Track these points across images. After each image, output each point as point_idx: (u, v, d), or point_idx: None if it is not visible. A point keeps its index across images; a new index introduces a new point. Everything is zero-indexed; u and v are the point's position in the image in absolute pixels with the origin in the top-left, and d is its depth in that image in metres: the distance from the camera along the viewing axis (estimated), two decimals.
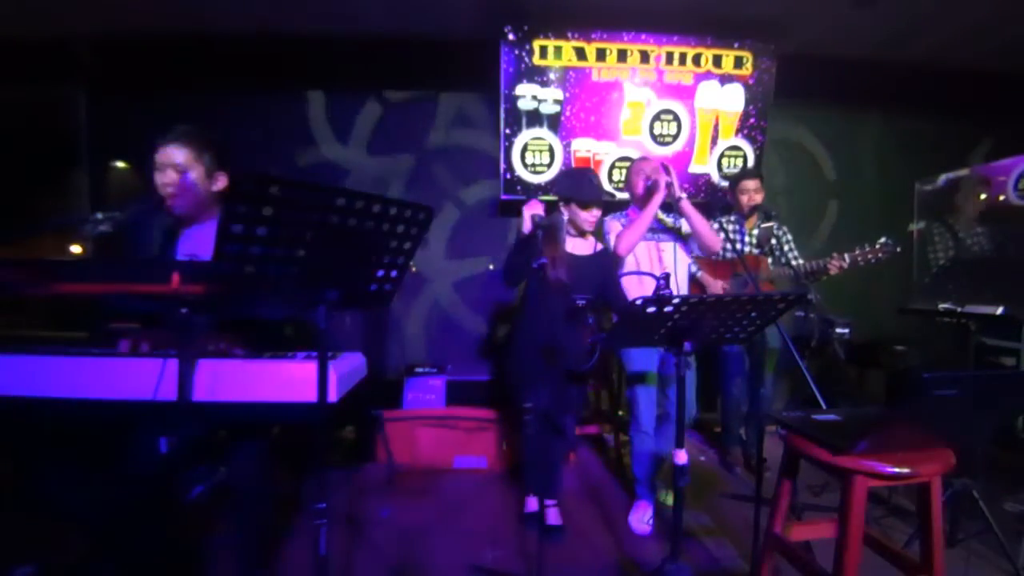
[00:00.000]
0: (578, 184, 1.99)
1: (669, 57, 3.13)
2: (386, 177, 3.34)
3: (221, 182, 1.58)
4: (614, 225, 2.23)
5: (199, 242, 1.56)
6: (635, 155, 3.17)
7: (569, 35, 3.03)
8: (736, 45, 3.15)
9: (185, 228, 1.58)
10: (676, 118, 3.21)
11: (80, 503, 1.70)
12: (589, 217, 2.00)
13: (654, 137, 3.22)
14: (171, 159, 1.49)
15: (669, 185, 2.04)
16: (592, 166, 3.17)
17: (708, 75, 3.18)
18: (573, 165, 3.17)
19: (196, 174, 1.52)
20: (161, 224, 1.56)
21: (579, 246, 2.08)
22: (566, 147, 3.17)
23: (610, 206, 2.53)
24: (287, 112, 3.27)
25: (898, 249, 2.40)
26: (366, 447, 2.75)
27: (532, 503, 2.20)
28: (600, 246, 2.15)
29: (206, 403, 1.24)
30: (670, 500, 2.19)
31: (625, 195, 3.10)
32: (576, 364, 1.96)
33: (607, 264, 2.12)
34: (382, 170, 3.34)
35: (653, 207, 2.07)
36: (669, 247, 2.28)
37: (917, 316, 2.64)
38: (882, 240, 2.37)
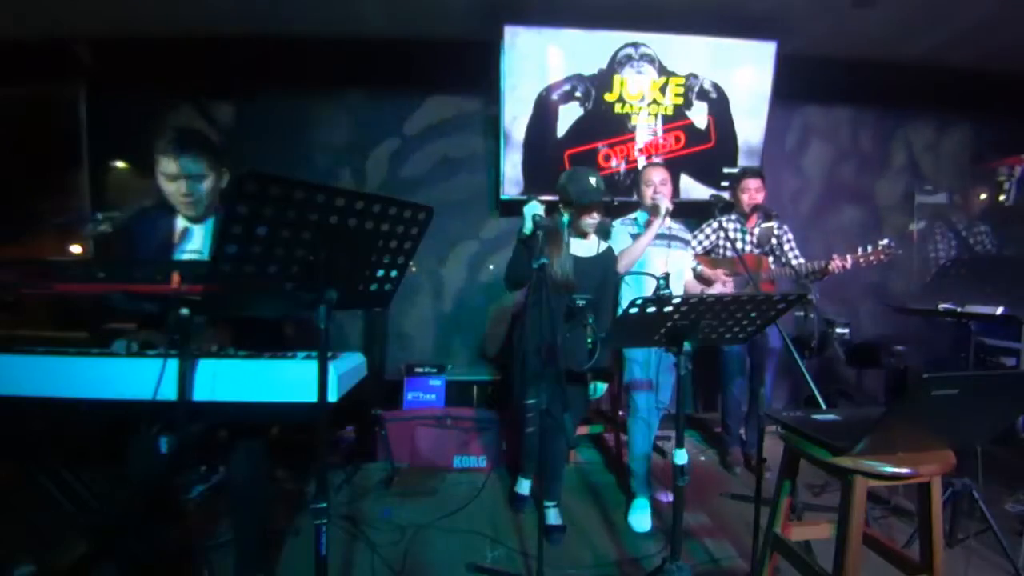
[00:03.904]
0: (578, 186, 1.95)
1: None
2: (386, 177, 3.34)
3: (224, 180, 1.58)
4: (621, 233, 2.26)
5: (200, 240, 1.56)
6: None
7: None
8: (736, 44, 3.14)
9: (188, 224, 1.58)
10: None
11: (80, 503, 1.70)
12: (589, 220, 2.00)
13: None
14: (184, 170, 1.47)
15: (668, 211, 2.15)
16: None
17: None
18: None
19: (211, 181, 1.52)
20: (163, 224, 1.56)
21: (582, 247, 2.08)
22: None
23: (619, 209, 2.56)
24: (288, 112, 3.27)
25: (899, 251, 2.40)
26: (366, 447, 2.75)
27: (524, 485, 2.22)
28: (604, 246, 2.14)
29: (206, 403, 1.24)
30: (669, 499, 2.20)
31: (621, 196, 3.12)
32: (577, 364, 1.96)
33: (609, 264, 2.13)
34: (382, 170, 3.34)
35: (651, 233, 2.15)
36: (678, 253, 2.34)
37: (917, 316, 2.63)
38: (884, 242, 2.37)
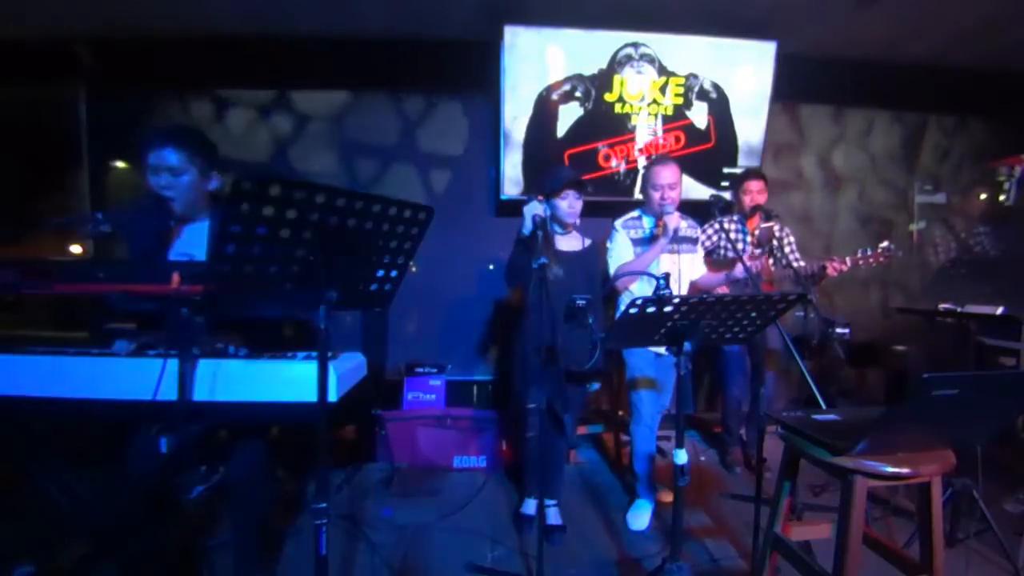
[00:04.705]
0: (550, 177, 2.02)
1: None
2: (386, 177, 3.34)
3: (215, 181, 1.58)
4: (622, 238, 2.19)
5: (192, 241, 1.56)
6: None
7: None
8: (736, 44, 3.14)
9: (179, 227, 1.58)
10: None
11: (80, 503, 1.70)
12: (567, 208, 2.02)
13: None
14: (165, 162, 1.47)
15: (676, 231, 2.05)
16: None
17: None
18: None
19: (191, 176, 1.51)
20: (157, 224, 1.56)
21: (567, 243, 2.10)
22: None
23: (617, 208, 2.53)
24: (288, 112, 3.27)
25: (899, 254, 2.40)
26: (366, 447, 2.75)
27: (530, 505, 2.20)
28: (588, 242, 2.16)
29: (206, 403, 1.25)
30: (669, 499, 2.20)
31: (599, 196, 3.12)
32: (577, 364, 1.96)
33: (594, 260, 2.15)
34: (382, 170, 3.34)
35: (656, 252, 2.08)
36: (688, 257, 2.25)
37: (917, 316, 2.64)
38: (884, 244, 2.37)
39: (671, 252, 2.18)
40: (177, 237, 1.57)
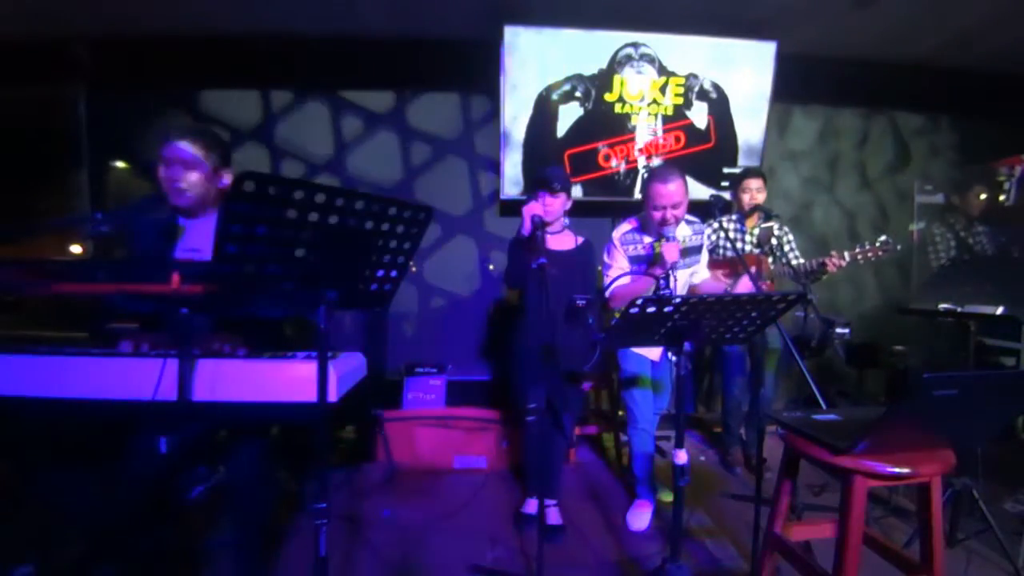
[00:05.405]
0: (537, 173, 2.03)
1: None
2: (386, 177, 3.34)
3: (226, 179, 1.59)
4: (619, 256, 2.08)
5: (199, 236, 1.57)
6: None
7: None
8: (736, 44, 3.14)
9: (186, 221, 1.59)
10: None
11: (80, 503, 1.70)
12: (548, 206, 1.99)
13: None
14: (179, 155, 1.49)
15: (672, 266, 1.87)
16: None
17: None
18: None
19: (203, 171, 1.53)
20: (158, 221, 1.56)
21: (558, 241, 2.09)
22: None
23: (614, 208, 2.51)
24: (288, 112, 3.27)
25: (898, 247, 2.40)
26: (366, 447, 2.75)
27: (531, 504, 2.20)
28: (581, 239, 2.15)
29: (206, 403, 1.24)
30: (669, 499, 2.20)
31: (599, 196, 3.10)
32: (576, 364, 1.96)
33: (588, 258, 2.15)
34: (382, 170, 3.34)
35: (653, 279, 1.94)
36: (685, 273, 2.14)
37: (917, 316, 2.64)
38: (882, 238, 2.37)
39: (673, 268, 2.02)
40: (185, 233, 1.57)
